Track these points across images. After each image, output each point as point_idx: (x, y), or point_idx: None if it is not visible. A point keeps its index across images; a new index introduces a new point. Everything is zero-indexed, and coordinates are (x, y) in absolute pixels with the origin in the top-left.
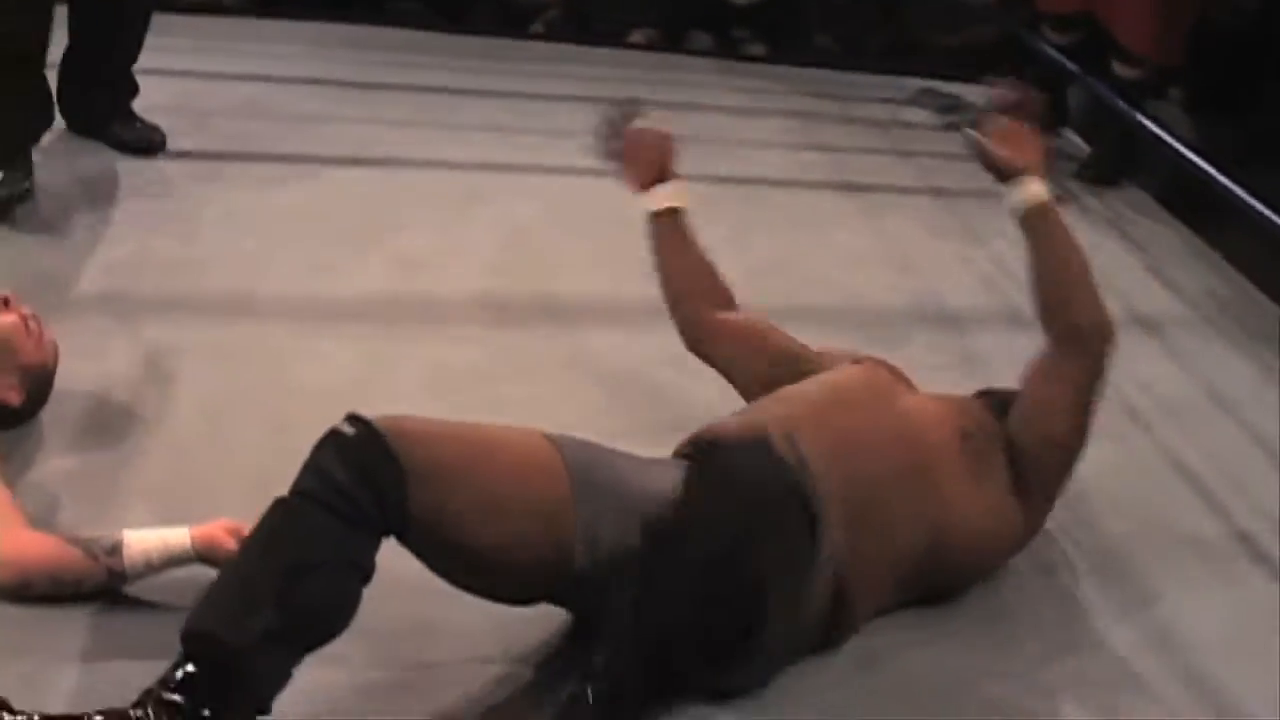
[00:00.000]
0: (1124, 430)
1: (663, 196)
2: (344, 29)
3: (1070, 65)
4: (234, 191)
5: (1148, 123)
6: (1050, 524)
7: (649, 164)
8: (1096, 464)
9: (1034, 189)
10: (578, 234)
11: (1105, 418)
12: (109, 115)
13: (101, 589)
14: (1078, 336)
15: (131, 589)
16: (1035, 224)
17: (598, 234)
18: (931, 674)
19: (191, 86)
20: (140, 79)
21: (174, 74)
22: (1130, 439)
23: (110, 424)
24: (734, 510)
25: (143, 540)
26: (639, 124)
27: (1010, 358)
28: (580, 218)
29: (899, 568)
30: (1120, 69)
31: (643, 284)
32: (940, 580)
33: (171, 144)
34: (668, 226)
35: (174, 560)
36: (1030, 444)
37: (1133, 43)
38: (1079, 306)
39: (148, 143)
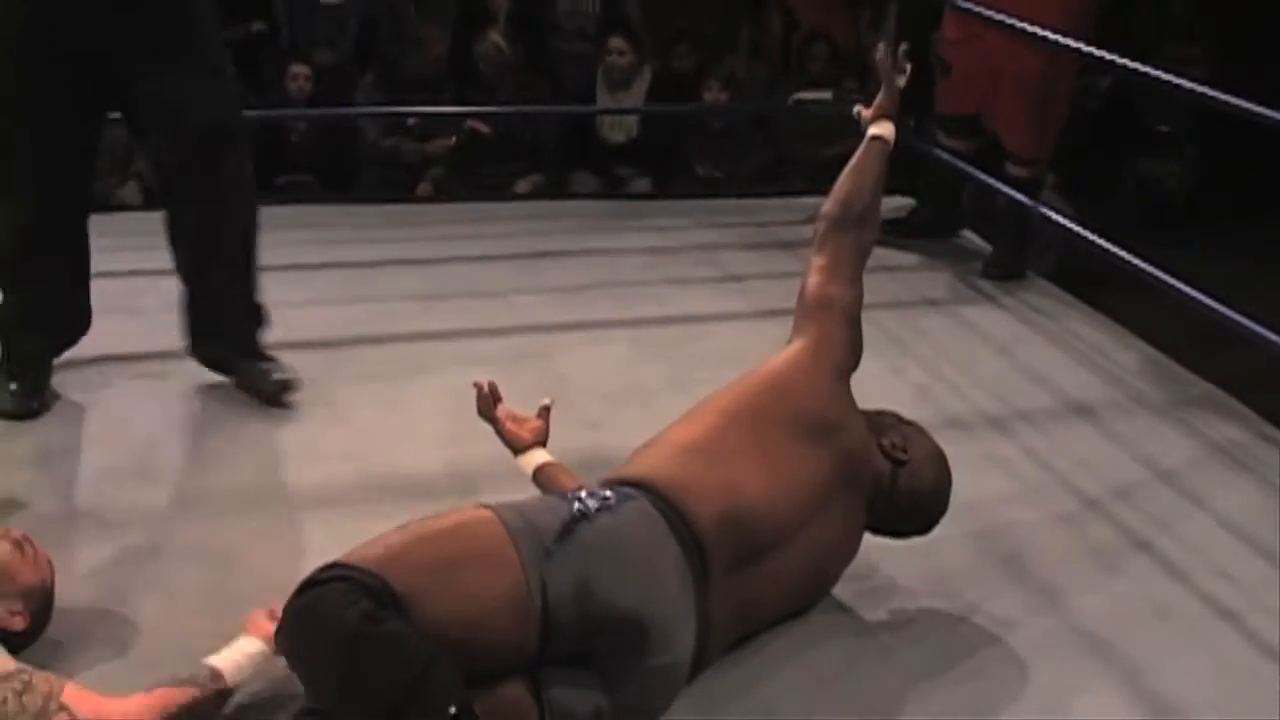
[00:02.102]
0: (1074, 511)
1: (536, 458)
2: None
3: (966, 168)
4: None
5: (1051, 214)
6: (1024, 609)
7: (525, 437)
8: (1057, 549)
9: (886, 128)
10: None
11: (1057, 502)
12: (233, 353)
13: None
14: (850, 219)
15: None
16: (870, 148)
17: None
18: None
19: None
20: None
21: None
22: (1084, 520)
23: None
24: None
25: (226, 658)
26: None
27: (961, 459)
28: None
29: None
30: (1012, 169)
31: (588, 435)
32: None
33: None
34: (544, 475)
35: (256, 661)
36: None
37: (1016, 146)
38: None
39: (276, 387)
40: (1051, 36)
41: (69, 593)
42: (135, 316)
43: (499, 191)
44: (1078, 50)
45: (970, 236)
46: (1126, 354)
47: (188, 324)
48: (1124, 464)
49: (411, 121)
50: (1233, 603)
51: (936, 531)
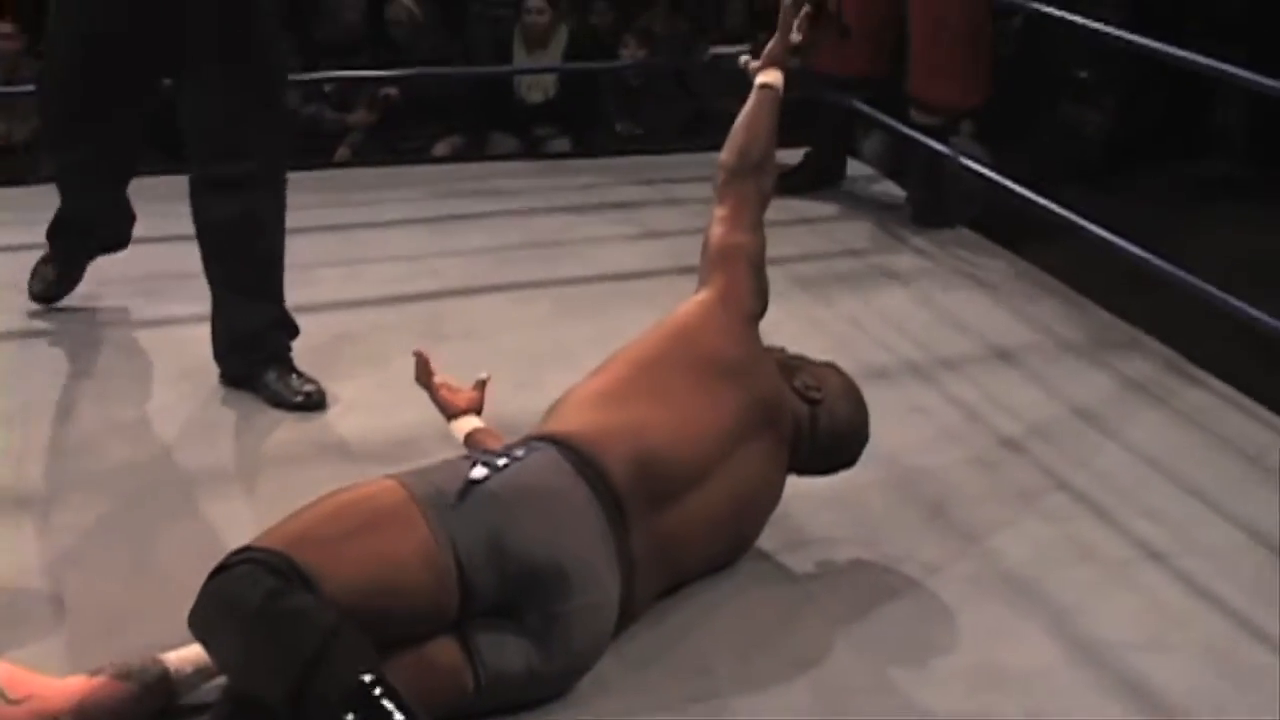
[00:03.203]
0: (999, 458)
1: (468, 424)
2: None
3: (880, 117)
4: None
5: (969, 162)
6: (949, 555)
7: (459, 403)
8: (980, 493)
9: (775, 75)
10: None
11: (981, 449)
12: (260, 363)
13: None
14: (748, 168)
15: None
16: (761, 97)
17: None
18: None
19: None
20: None
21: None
22: (1007, 466)
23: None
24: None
25: (183, 656)
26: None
27: (884, 408)
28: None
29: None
30: (917, 115)
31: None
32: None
33: None
34: (474, 440)
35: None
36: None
37: (933, 95)
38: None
39: (302, 398)
40: None
41: None
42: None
43: (418, 155)
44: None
45: (891, 186)
46: (1048, 299)
47: (216, 340)
48: (1046, 406)
49: (329, 89)
50: (1159, 543)
51: (860, 479)
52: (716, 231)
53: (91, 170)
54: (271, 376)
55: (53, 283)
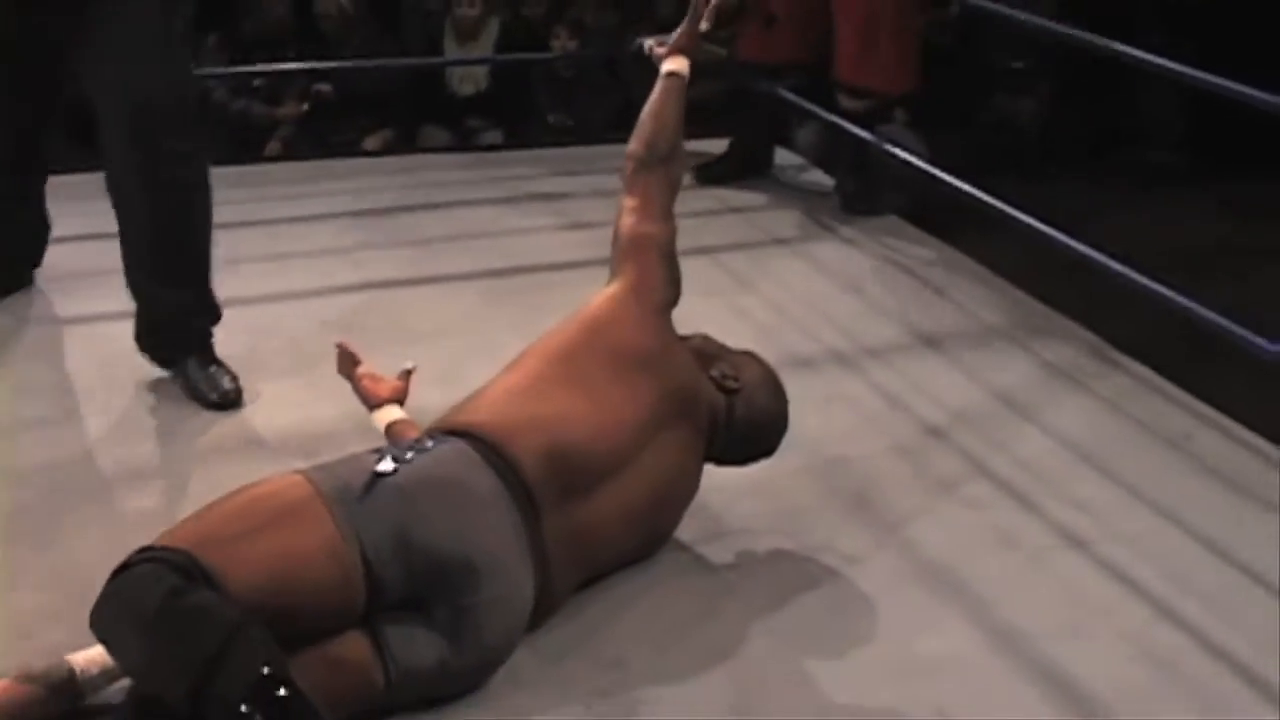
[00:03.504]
0: (922, 445)
1: (389, 415)
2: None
3: (807, 105)
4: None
5: (896, 150)
6: (870, 544)
7: (381, 394)
8: (902, 481)
9: (681, 63)
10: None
11: (904, 437)
12: (181, 348)
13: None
14: (656, 158)
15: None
16: (668, 85)
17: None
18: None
19: None
20: None
21: None
22: (929, 453)
23: None
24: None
25: (89, 658)
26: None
27: (806, 398)
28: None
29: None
30: (845, 101)
31: (438, 389)
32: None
33: None
34: (394, 431)
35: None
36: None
37: (857, 77)
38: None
39: (219, 397)
40: None
41: None
42: None
43: (348, 149)
44: None
45: (820, 175)
46: (975, 286)
47: (137, 323)
48: (969, 393)
49: (257, 83)
50: (1081, 530)
51: (781, 469)
52: (627, 222)
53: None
54: (192, 364)
55: None
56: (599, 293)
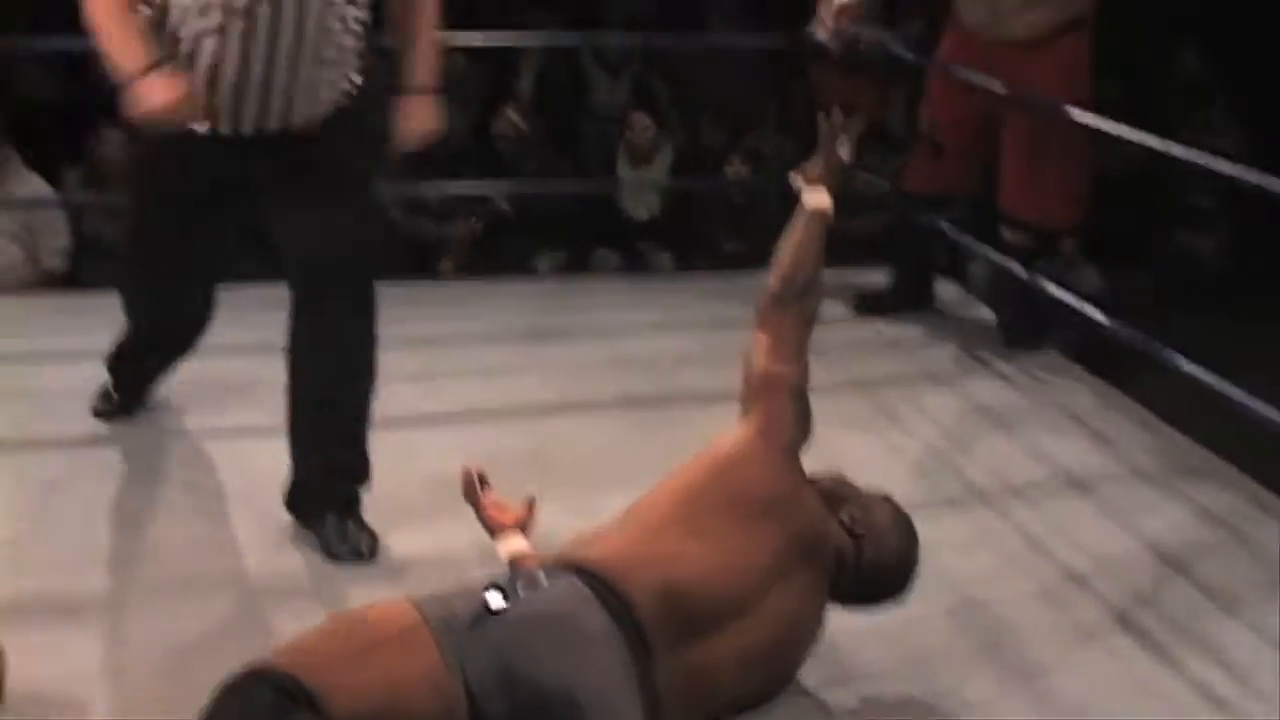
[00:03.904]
0: (1063, 590)
1: (512, 545)
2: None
3: (964, 240)
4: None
5: (1051, 287)
6: (1000, 691)
7: (506, 522)
8: (1045, 632)
9: (823, 198)
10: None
11: (1046, 580)
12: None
13: None
14: (792, 294)
15: None
16: (808, 220)
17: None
18: None
19: None
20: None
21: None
22: (1069, 599)
23: None
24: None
25: None
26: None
27: (950, 541)
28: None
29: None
30: (1009, 235)
31: (571, 519)
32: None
33: None
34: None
35: None
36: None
37: (1021, 211)
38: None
39: (351, 553)
40: (1080, 117)
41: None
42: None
43: (520, 268)
44: (1100, 131)
45: (982, 309)
46: (1133, 427)
47: (291, 476)
48: (1118, 538)
49: (431, 202)
50: (1222, 688)
51: (915, 612)
52: (759, 360)
53: (176, 296)
54: (331, 520)
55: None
56: (728, 432)
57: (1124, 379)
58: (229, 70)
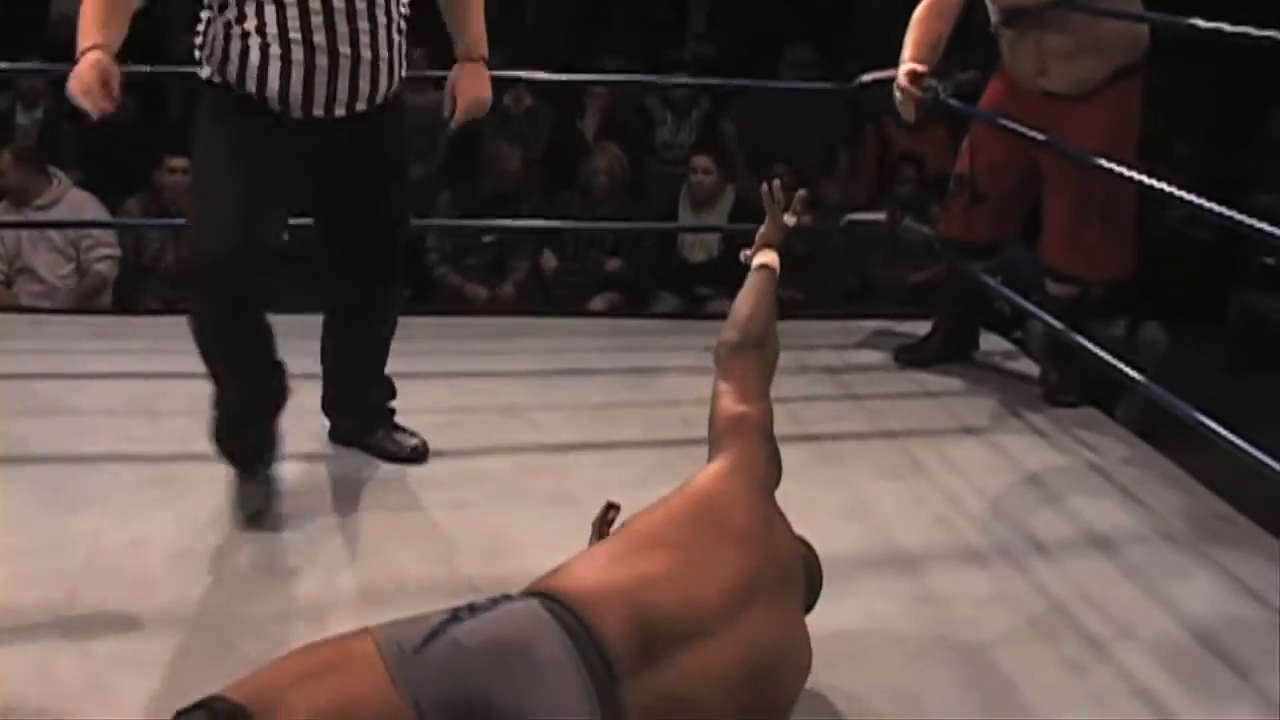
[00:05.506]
0: (1086, 660)
1: None
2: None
3: (1005, 292)
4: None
5: (1089, 345)
6: None
7: None
8: (1058, 698)
9: (771, 257)
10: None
11: (1065, 644)
12: (372, 424)
13: None
14: (750, 342)
15: None
16: (759, 277)
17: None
18: None
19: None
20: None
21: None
22: (1092, 670)
23: None
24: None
25: None
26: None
27: (968, 596)
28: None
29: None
30: (1052, 287)
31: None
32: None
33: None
34: None
35: None
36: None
37: (1065, 263)
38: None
39: (410, 451)
40: (1136, 178)
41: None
42: (153, 419)
43: (575, 307)
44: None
45: (1026, 362)
46: (1167, 489)
47: (329, 398)
48: (1141, 604)
49: (473, 261)
50: None
51: (927, 670)
52: (723, 404)
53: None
54: (380, 434)
55: (266, 495)
56: (702, 470)
57: (1156, 437)
58: (299, 55)
